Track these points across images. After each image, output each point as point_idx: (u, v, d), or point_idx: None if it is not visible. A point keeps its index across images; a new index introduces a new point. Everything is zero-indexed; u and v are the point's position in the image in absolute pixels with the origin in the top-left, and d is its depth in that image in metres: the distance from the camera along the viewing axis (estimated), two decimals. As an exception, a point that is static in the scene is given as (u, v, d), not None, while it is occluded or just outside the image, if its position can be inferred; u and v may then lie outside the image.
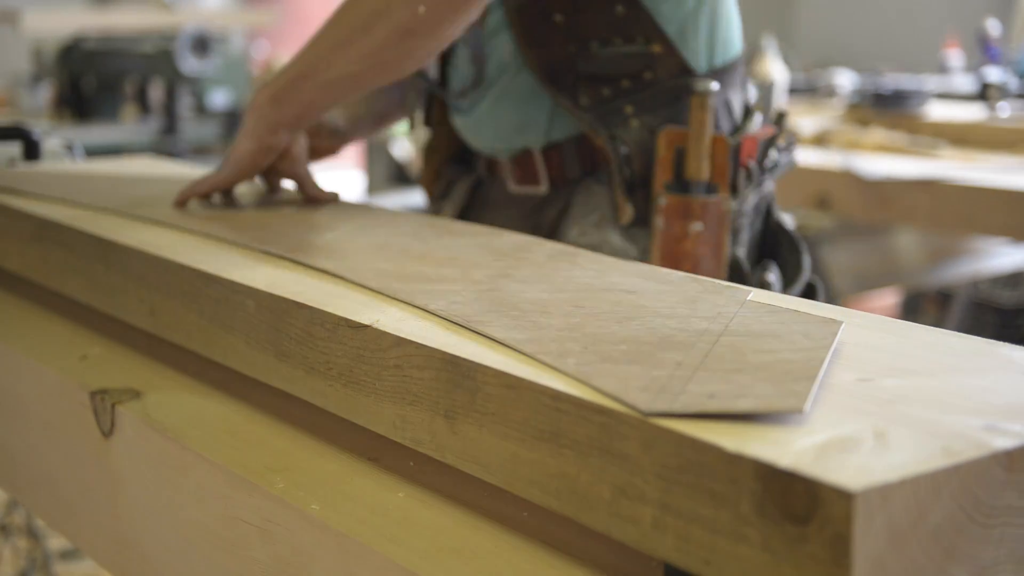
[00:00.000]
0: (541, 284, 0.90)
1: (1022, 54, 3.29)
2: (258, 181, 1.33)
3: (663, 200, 1.25)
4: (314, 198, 1.30)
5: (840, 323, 0.77)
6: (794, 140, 1.36)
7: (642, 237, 1.27)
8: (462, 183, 1.43)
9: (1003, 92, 2.63)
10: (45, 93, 4.83)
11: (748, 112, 1.33)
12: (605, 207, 1.29)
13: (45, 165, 1.61)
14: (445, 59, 1.37)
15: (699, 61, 1.28)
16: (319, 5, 8.95)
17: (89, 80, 4.46)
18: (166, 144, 4.15)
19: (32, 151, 1.63)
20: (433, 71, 1.40)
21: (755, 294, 0.86)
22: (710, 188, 1.25)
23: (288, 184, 1.35)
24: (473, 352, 0.74)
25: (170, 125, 4.27)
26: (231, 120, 4.48)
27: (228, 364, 0.98)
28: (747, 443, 0.58)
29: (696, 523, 0.59)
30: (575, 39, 1.26)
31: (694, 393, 0.64)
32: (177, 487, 0.93)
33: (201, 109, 4.62)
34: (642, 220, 1.27)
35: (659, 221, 1.25)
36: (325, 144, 1.43)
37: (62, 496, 1.12)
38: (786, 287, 1.32)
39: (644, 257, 1.26)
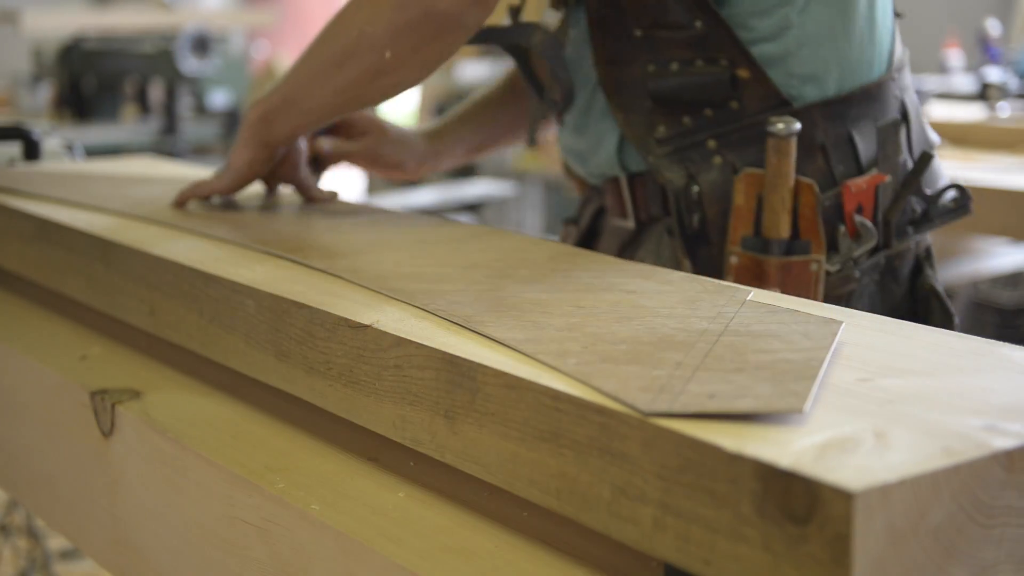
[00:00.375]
0: (541, 284, 0.90)
1: (1022, 54, 3.30)
2: (256, 184, 1.32)
3: (734, 258, 1.08)
4: (314, 199, 1.30)
5: (840, 323, 0.77)
6: (964, 191, 1.13)
7: None
8: (590, 206, 1.32)
9: (1003, 92, 2.63)
10: (45, 93, 4.83)
11: (892, 148, 1.12)
12: (671, 260, 1.14)
13: (45, 165, 1.61)
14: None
15: (806, 92, 1.10)
16: (319, 5, 8.95)
17: (89, 80, 4.46)
18: (166, 144, 4.15)
19: (32, 151, 1.63)
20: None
21: (755, 294, 0.86)
22: (797, 247, 1.07)
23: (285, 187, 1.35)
24: (473, 352, 0.74)
25: (170, 125, 4.27)
26: (231, 120, 4.48)
27: (228, 364, 0.98)
28: (747, 443, 0.58)
29: (696, 523, 0.59)
30: (654, 57, 1.12)
31: (694, 393, 0.64)
32: (177, 487, 0.93)
33: (201, 109, 4.62)
34: (713, 277, 1.04)
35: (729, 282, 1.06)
36: (388, 157, 1.35)
37: (62, 496, 1.12)
38: None
39: None
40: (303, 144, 1.30)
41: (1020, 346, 0.75)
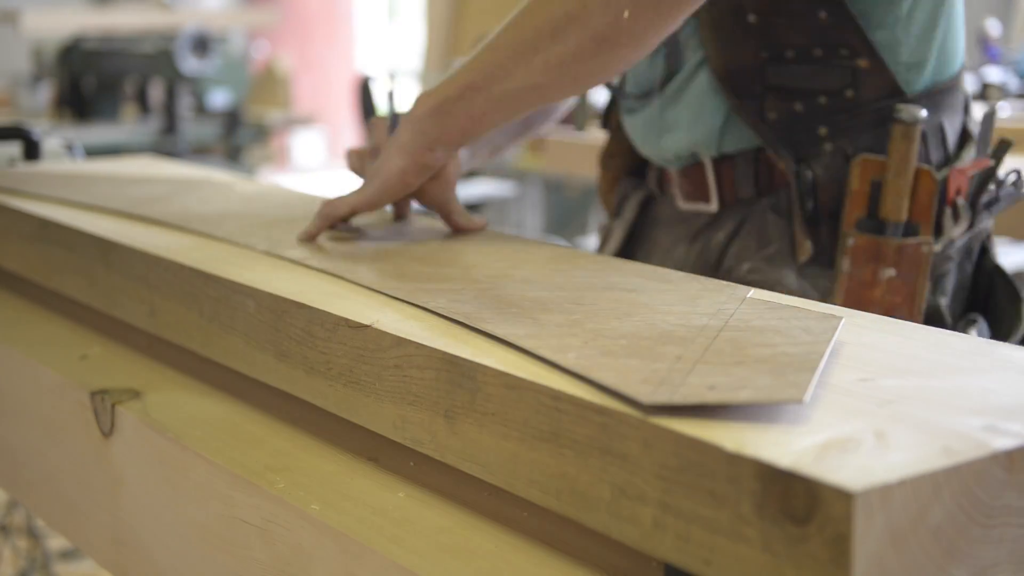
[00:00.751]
0: (541, 283, 0.90)
1: (1022, 54, 3.30)
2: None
3: (852, 240, 1.10)
4: (460, 228, 1.11)
5: (840, 318, 0.78)
6: (1020, 175, 1.17)
7: (822, 278, 1.12)
8: (633, 198, 1.30)
9: (1003, 92, 2.62)
10: (45, 93, 4.84)
11: (965, 139, 1.16)
12: (781, 240, 1.14)
13: (45, 165, 1.61)
14: None
15: (912, 81, 1.12)
16: (319, 5, 8.96)
17: (89, 80, 4.47)
18: (166, 144, 4.15)
19: (32, 151, 1.63)
20: None
21: (755, 292, 0.86)
22: (909, 229, 1.10)
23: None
24: (473, 352, 0.74)
25: (170, 125, 4.27)
26: (231, 120, 4.48)
27: (228, 364, 0.98)
28: (747, 443, 0.58)
29: (696, 523, 0.59)
30: (769, 44, 1.11)
31: (694, 385, 0.65)
32: (177, 487, 0.93)
33: (201, 109, 4.63)
34: (823, 259, 1.13)
35: (845, 263, 1.10)
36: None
37: (62, 496, 1.12)
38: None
39: (824, 300, 1.10)
40: (459, 159, 1.12)
41: (1020, 346, 0.75)
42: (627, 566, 0.70)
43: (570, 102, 1.34)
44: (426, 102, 1.04)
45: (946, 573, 0.57)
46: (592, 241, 3.96)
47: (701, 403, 0.62)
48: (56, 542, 2.37)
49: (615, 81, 1.24)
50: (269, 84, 7.12)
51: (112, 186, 1.41)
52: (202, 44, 4.23)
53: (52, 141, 1.72)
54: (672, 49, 1.16)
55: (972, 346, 0.76)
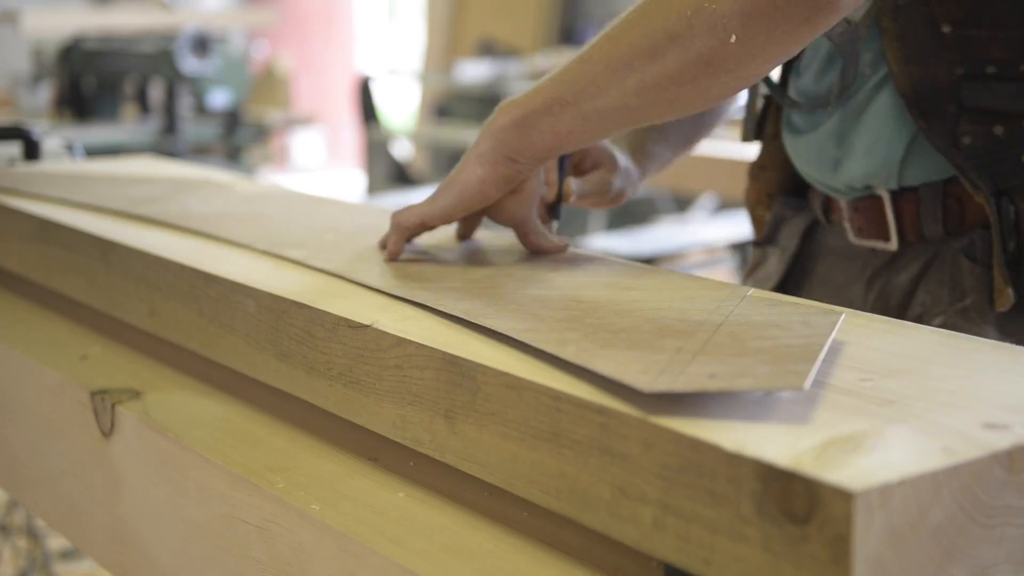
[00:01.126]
0: (541, 282, 0.91)
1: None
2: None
3: None
4: (538, 248, 1.01)
5: (840, 313, 0.78)
6: None
7: None
8: (793, 225, 1.17)
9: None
10: (45, 93, 4.84)
11: None
12: (977, 290, 1.00)
13: (45, 165, 1.61)
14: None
15: None
16: (319, 5, 8.96)
17: (89, 80, 4.47)
18: (166, 144, 4.15)
19: (32, 151, 1.63)
20: (775, 72, 1.12)
21: (755, 291, 0.86)
22: None
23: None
24: (473, 352, 0.74)
25: (170, 125, 4.27)
26: (231, 120, 4.48)
27: (228, 364, 0.98)
28: (747, 443, 0.58)
29: (696, 523, 0.59)
30: (966, 59, 0.98)
31: (694, 374, 0.65)
32: (177, 487, 0.93)
33: (201, 109, 4.63)
34: None
35: None
36: (615, 189, 1.09)
37: (62, 496, 1.12)
38: None
39: None
40: (541, 175, 1.02)
41: (1020, 346, 0.75)
42: (627, 566, 0.70)
43: (737, 105, 1.24)
44: (509, 112, 0.95)
45: (946, 573, 0.57)
46: (592, 242, 3.96)
47: (701, 390, 0.62)
48: (56, 542, 2.37)
49: (772, 83, 1.12)
50: (269, 84, 7.13)
51: (112, 186, 1.41)
52: (202, 44, 4.23)
53: (52, 141, 1.72)
54: (850, 55, 1.01)
55: (972, 346, 0.76)
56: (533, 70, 5.81)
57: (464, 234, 1.07)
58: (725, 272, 3.76)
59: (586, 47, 0.92)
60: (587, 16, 7.43)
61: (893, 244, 1.05)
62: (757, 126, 1.19)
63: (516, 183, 0.98)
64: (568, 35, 7.17)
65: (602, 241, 3.96)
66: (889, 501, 0.54)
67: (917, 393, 0.65)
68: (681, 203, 4.88)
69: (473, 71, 6.02)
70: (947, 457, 0.56)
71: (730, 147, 2.97)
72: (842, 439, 0.58)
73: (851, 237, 1.09)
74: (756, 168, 1.21)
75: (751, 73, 0.88)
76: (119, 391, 1.03)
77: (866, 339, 0.77)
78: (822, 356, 0.68)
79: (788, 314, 0.78)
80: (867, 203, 1.06)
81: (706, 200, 4.68)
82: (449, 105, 6.45)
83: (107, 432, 1.01)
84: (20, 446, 1.19)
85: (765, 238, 1.19)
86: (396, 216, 1.00)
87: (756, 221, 1.22)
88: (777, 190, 1.20)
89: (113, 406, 1.00)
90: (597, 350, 0.71)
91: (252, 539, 0.84)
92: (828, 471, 0.54)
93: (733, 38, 0.85)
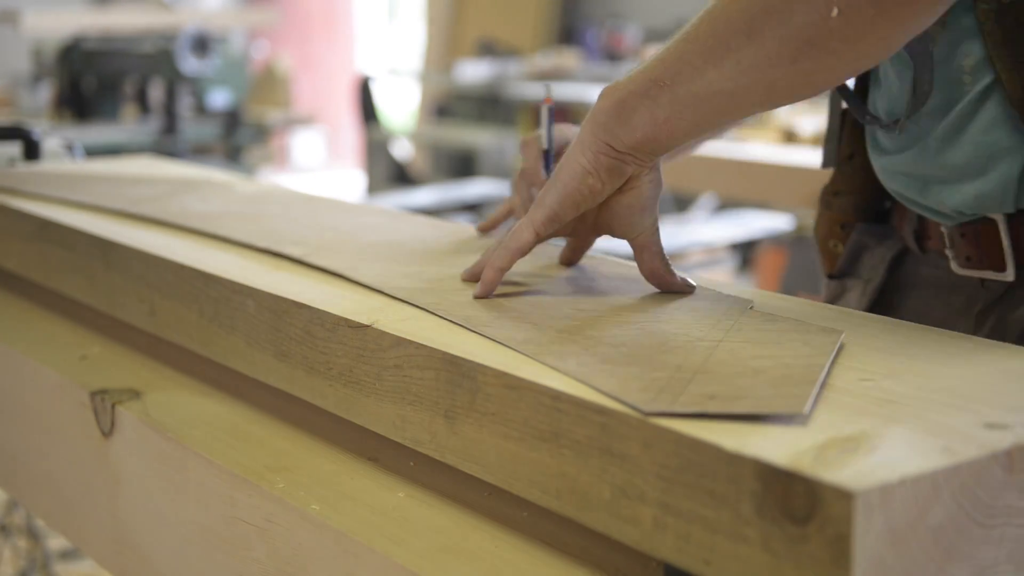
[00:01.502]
0: (542, 286, 0.90)
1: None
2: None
3: None
4: (658, 278, 0.88)
5: (840, 332, 0.77)
6: None
7: None
8: (876, 254, 1.05)
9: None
10: (45, 93, 4.84)
11: None
12: None
13: (45, 165, 1.61)
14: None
15: None
16: (319, 5, 8.96)
17: (89, 80, 4.47)
18: (166, 144, 4.15)
19: (32, 151, 1.63)
20: (850, 82, 1.03)
21: (756, 305, 0.86)
22: None
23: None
24: (473, 352, 0.74)
25: (170, 125, 4.27)
26: (231, 120, 4.48)
27: (228, 364, 0.98)
28: (747, 443, 0.58)
29: (696, 523, 0.59)
30: None
31: (694, 394, 0.64)
32: (177, 487, 0.93)
33: (201, 109, 4.63)
34: None
35: None
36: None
37: (62, 496, 1.12)
38: None
39: None
40: (657, 178, 0.89)
41: (1020, 346, 0.75)
42: (627, 566, 0.70)
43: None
44: (610, 95, 0.85)
45: (946, 573, 0.57)
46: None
47: (701, 412, 0.62)
48: (56, 542, 2.37)
49: (850, 94, 1.02)
50: (269, 84, 7.13)
51: (112, 186, 1.41)
52: (202, 44, 4.23)
53: (52, 141, 1.72)
54: (922, 64, 0.91)
55: (972, 346, 0.76)
56: (533, 70, 5.82)
57: (572, 255, 0.97)
58: (725, 272, 3.76)
59: (690, 23, 0.83)
60: (587, 16, 7.43)
61: (1009, 274, 0.92)
62: (836, 145, 1.07)
63: (623, 177, 0.86)
64: (568, 35, 7.18)
65: (602, 241, 3.96)
66: (889, 501, 0.54)
67: (917, 393, 0.65)
68: (681, 203, 4.88)
69: (473, 71, 6.02)
70: (947, 457, 0.56)
71: (730, 147, 2.97)
72: (842, 439, 0.58)
73: (954, 267, 0.96)
74: (829, 195, 1.09)
75: (858, 56, 0.78)
76: (119, 391, 1.03)
77: (866, 339, 0.77)
78: (822, 378, 0.67)
79: (788, 332, 0.77)
80: (976, 228, 0.93)
81: (706, 200, 4.69)
82: (449, 105, 6.45)
83: (107, 432, 1.01)
84: (20, 446, 1.19)
85: (841, 270, 1.08)
86: (512, 238, 0.87)
87: (828, 254, 1.10)
88: (854, 217, 1.08)
89: (113, 406, 1.00)
90: (597, 364, 0.70)
91: (252, 539, 0.84)
92: (828, 471, 0.54)
93: (835, 11, 0.75)
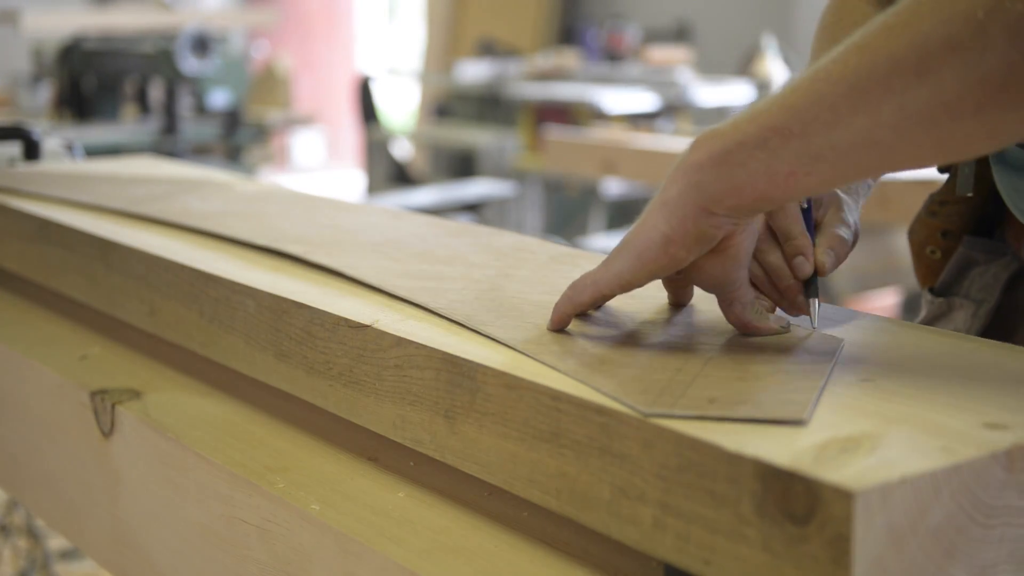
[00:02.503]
0: (542, 286, 0.90)
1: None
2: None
3: None
4: (747, 328, 0.77)
5: (841, 340, 0.76)
6: None
7: None
8: (989, 273, 0.97)
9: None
10: (45, 93, 4.84)
11: None
12: None
13: (45, 165, 1.61)
14: None
15: None
16: (319, 5, 8.96)
17: (89, 80, 4.47)
18: (166, 144, 4.15)
19: (32, 151, 1.63)
20: None
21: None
22: None
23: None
24: (473, 352, 0.74)
25: (170, 125, 4.27)
26: (231, 120, 4.48)
27: (228, 364, 0.98)
28: (747, 443, 0.58)
29: (696, 523, 0.59)
30: None
31: (694, 397, 0.64)
32: (177, 487, 0.93)
33: (201, 109, 4.63)
34: None
35: None
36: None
37: (62, 496, 1.12)
38: None
39: None
40: (757, 228, 0.77)
41: (1020, 346, 0.75)
42: (627, 566, 0.70)
43: None
44: (708, 145, 0.71)
45: (946, 573, 0.57)
46: (593, 242, 3.95)
47: (700, 416, 0.62)
48: (56, 542, 2.37)
49: None
50: (269, 84, 7.12)
51: (112, 186, 1.41)
52: (202, 44, 4.23)
53: (52, 141, 1.72)
54: None
55: (972, 346, 0.76)
56: (533, 70, 5.82)
57: (676, 302, 0.85)
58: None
59: (823, 60, 0.68)
60: (587, 16, 7.43)
61: None
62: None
63: (715, 241, 0.73)
64: (568, 35, 7.17)
65: (602, 241, 3.96)
66: (889, 501, 0.54)
67: (917, 393, 0.65)
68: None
69: (473, 71, 6.02)
70: (947, 457, 0.56)
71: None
72: (842, 439, 0.58)
73: None
74: (935, 204, 0.99)
75: None
76: (119, 391, 1.03)
77: (866, 339, 0.77)
78: (823, 385, 0.67)
79: (789, 337, 0.77)
80: None
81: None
82: (449, 105, 6.45)
83: (107, 432, 1.01)
84: (20, 446, 1.19)
85: (946, 286, 0.99)
86: (572, 289, 0.78)
87: (923, 262, 1.02)
88: (959, 228, 0.98)
89: (113, 406, 1.00)
90: (597, 365, 0.70)
91: (252, 539, 0.84)
92: (828, 471, 0.54)
93: None
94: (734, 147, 0.69)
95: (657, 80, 5.43)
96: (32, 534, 2.22)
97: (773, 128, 0.68)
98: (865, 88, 0.65)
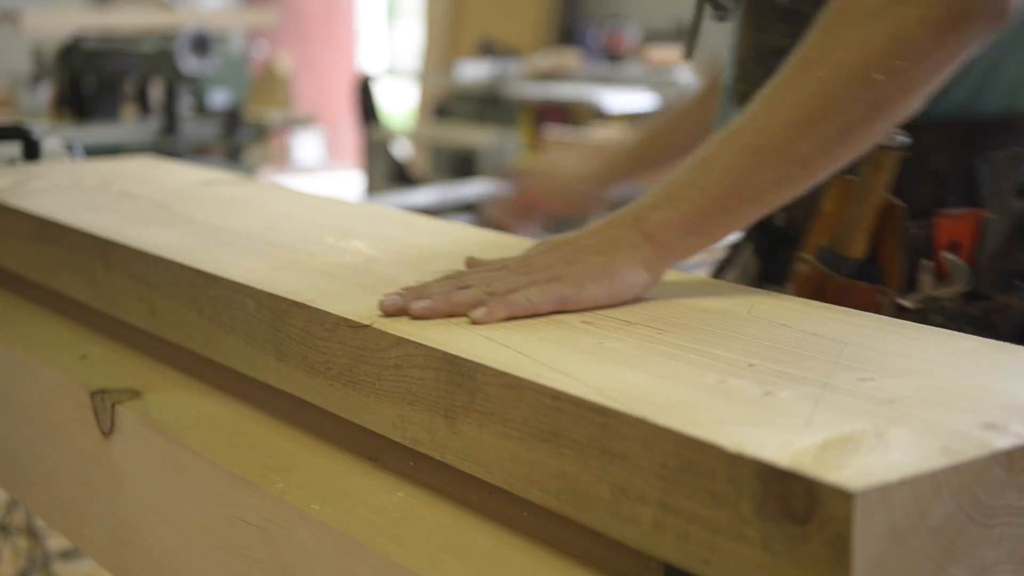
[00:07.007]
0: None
1: None
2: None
3: (802, 265, 0.98)
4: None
5: None
6: None
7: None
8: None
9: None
10: (45, 93, 4.83)
11: (998, 184, 0.96)
12: (746, 260, 1.06)
13: (45, 165, 1.61)
14: None
15: (929, 104, 0.87)
16: (319, 5, 8.96)
17: (89, 80, 4.46)
18: (166, 144, 4.15)
19: (32, 151, 1.63)
20: None
21: (758, 304, 0.86)
22: (866, 272, 0.96)
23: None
24: (473, 352, 0.74)
25: (170, 125, 4.27)
26: (231, 120, 4.48)
27: (228, 364, 0.98)
28: (747, 443, 0.58)
29: (696, 523, 0.59)
30: (794, 32, 0.93)
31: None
32: (177, 487, 0.93)
33: (201, 109, 4.62)
34: (778, 279, 1.02)
35: (789, 290, 0.99)
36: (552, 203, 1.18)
37: (62, 496, 1.12)
38: None
39: None
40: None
41: (1020, 346, 0.75)
42: (627, 566, 0.70)
43: None
44: (665, 215, 0.84)
45: (946, 573, 0.57)
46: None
47: None
48: (56, 542, 2.37)
49: None
50: (269, 84, 7.12)
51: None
52: (202, 44, 4.23)
53: (52, 141, 1.72)
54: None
55: (972, 346, 0.76)
56: (533, 70, 5.82)
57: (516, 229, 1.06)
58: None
59: (750, 116, 0.84)
60: (587, 16, 7.43)
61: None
62: None
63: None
64: (568, 35, 7.17)
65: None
66: (889, 501, 0.54)
67: (917, 393, 0.65)
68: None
69: (473, 71, 6.02)
70: (947, 457, 0.56)
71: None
72: (842, 439, 0.58)
73: None
74: None
75: (916, 101, 0.84)
76: (119, 391, 1.03)
77: (866, 339, 0.77)
78: None
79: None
80: None
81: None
82: (449, 105, 6.44)
83: (107, 432, 1.01)
84: (20, 446, 1.19)
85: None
86: (512, 296, 0.82)
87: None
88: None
89: (113, 406, 1.00)
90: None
91: (252, 539, 0.84)
92: (828, 471, 0.54)
93: (929, 63, 0.82)
94: (693, 219, 0.83)
95: (657, 80, 5.43)
96: (32, 534, 2.22)
97: (729, 195, 0.83)
98: (810, 158, 0.83)
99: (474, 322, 0.80)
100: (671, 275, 0.92)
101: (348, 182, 7.70)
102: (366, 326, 0.81)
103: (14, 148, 1.63)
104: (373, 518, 0.78)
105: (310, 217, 1.23)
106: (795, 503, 0.54)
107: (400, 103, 8.61)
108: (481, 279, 0.84)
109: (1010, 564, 0.60)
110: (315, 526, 0.78)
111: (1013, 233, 0.96)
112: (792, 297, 0.89)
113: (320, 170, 8.49)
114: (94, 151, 2.33)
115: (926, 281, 0.95)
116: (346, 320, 0.83)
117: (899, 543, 0.54)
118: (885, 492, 0.53)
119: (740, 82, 1.04)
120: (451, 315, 0.81)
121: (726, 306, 0.84)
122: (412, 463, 0.85)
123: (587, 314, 0.82)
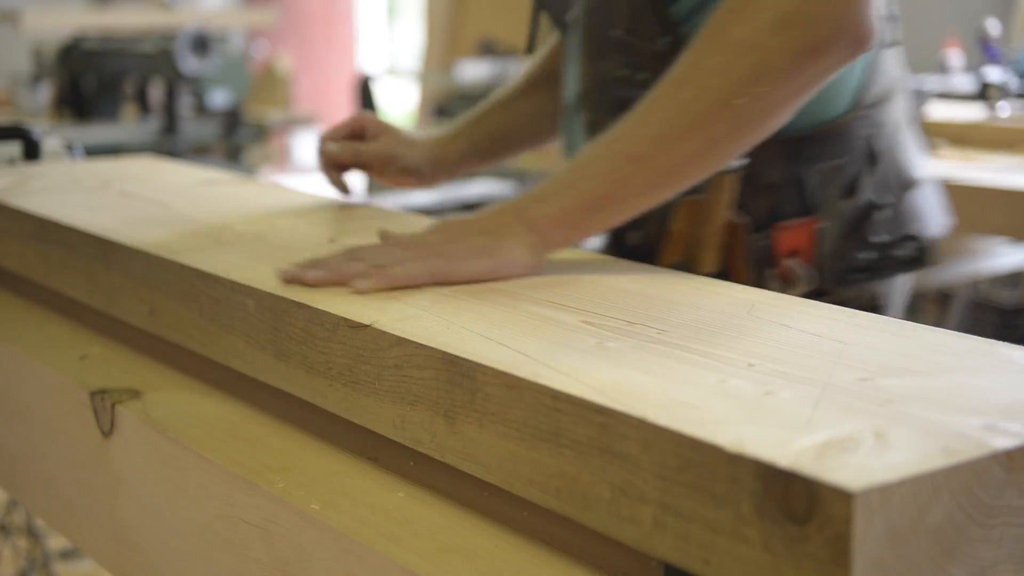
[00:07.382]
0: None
1: (1022, 54, 3.29)
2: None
3: None
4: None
5: None
6: (923, 243, 1.09)
7: None
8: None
9: (1003, 92, 2.62)
10: (45, 93, 4.83)
11: (855, 190, 1.07)
12: None
13: (45, 165, 1.61)
14: None
15: None
16: (319, 5, 8.96)
17: (89, 80, 4.46)
18: (166, 144, 4.15)
19: (32, 151, 1.63)
20: None
21: (758, 304, 0.86)
22: None
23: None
24: (473, 352, 0.74)
25: (170, 125, 4.27)
26: (231, 120, 4.48)
27: (228, 364, 0.98)
28: (747, 443, 0.58)
29: (696, 523, 0.59)
30: (626, 63, 1.10)
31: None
32: (177, 487, 0.93)
33: (201, 109, 4.62)
34: None
35: None
36: (393, 179, 1.27)
37: (62, 496, 1.12)
38: None
39: None
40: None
41: (1020, 346, 0.75)
42: (627, 566, 0.70)
43: None
44: (547, 208, 0.95)
45: (946, 573, 0.57)
46: (590, 241, 3.94)
47: None
48: (56, 542, 2.37)
49: None
50: (269, 84, 7.12)
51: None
52: (202, 44, 4.23)
53: (52, 141, 1.72)
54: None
55: (972, 346, 0.76)
56: (533, 70, 5.80)
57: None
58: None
59: (628, 120, 0.94)
60: (587, 16, 7.41)
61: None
62: None
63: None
64: (568, 35, 7.16)
65: (598, 240, 3.95)
66: (889, 501, 0.54)
67: (917, 393, 0.65)
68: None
69: (473, 71, 6.02)
70: (947, 457, 0.56)
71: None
72: (842, 439, 0.58)
73: None
74: None
75: (783, 117, 0.94)
76: (119, 391, 1.03)
77: (866, 339, 0.77)
78: None
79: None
80: None
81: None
82: (449, 105, 6.44)
83: (107, 432, 1.01)
84: (20, 446, 1.19)
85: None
86: (393, 268, 0.91)
87: None
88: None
89: (113, 406, 1.00)
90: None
91: (252, 539, 0.84)
92: (828, 471, 0.54)
93: (789, 87, 0.92)
94: (575, 209, 0.94)
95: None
96: (32, 534, 2.22)
97: (604, 196, 0.93)
98: (678, 167, 0.93)
99: (356, 292, 0.88)
100: (671, 275, 0.92)
101: (348, 182, 7.69)
102: (366, 326, 0.81)
103: (14, 148, 1.63)
104: (373, 518, 0.78)
105: (310, 217, 1.23)
106: (795, 503, 0.54)
107: (400, 103, 8.61)
108: (371, 253, 0.94)
109: (1010, 564, 0.60)
110: (315, 526, 0.78)
111: (845, 233, 1.07)
112: (792, 297, 0.89)
113: (317, 172, 8.47)
114: (94, 151, 2.33)
115: (774, 287, 1.03)
116: (346, 320, 0.83)
117: (899, 543, 0.54)
118: (885, 492, 0.53)
119: (588, 111, 1.12)
120: (339, 284, 0.90)
121: (726, 306, 0.84)
122: (412, 463, 0.85)
123: (587, 314, 0.82)
